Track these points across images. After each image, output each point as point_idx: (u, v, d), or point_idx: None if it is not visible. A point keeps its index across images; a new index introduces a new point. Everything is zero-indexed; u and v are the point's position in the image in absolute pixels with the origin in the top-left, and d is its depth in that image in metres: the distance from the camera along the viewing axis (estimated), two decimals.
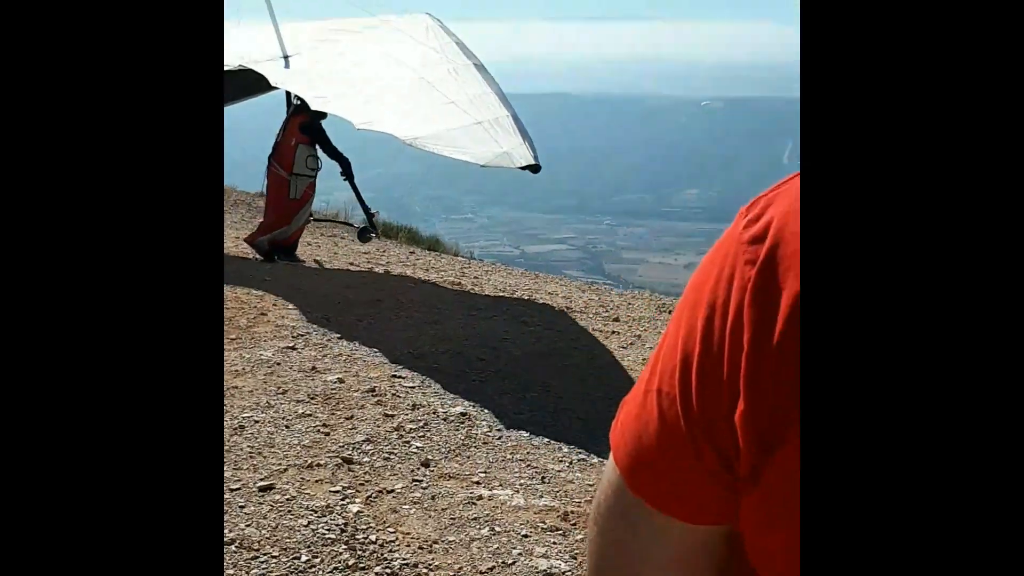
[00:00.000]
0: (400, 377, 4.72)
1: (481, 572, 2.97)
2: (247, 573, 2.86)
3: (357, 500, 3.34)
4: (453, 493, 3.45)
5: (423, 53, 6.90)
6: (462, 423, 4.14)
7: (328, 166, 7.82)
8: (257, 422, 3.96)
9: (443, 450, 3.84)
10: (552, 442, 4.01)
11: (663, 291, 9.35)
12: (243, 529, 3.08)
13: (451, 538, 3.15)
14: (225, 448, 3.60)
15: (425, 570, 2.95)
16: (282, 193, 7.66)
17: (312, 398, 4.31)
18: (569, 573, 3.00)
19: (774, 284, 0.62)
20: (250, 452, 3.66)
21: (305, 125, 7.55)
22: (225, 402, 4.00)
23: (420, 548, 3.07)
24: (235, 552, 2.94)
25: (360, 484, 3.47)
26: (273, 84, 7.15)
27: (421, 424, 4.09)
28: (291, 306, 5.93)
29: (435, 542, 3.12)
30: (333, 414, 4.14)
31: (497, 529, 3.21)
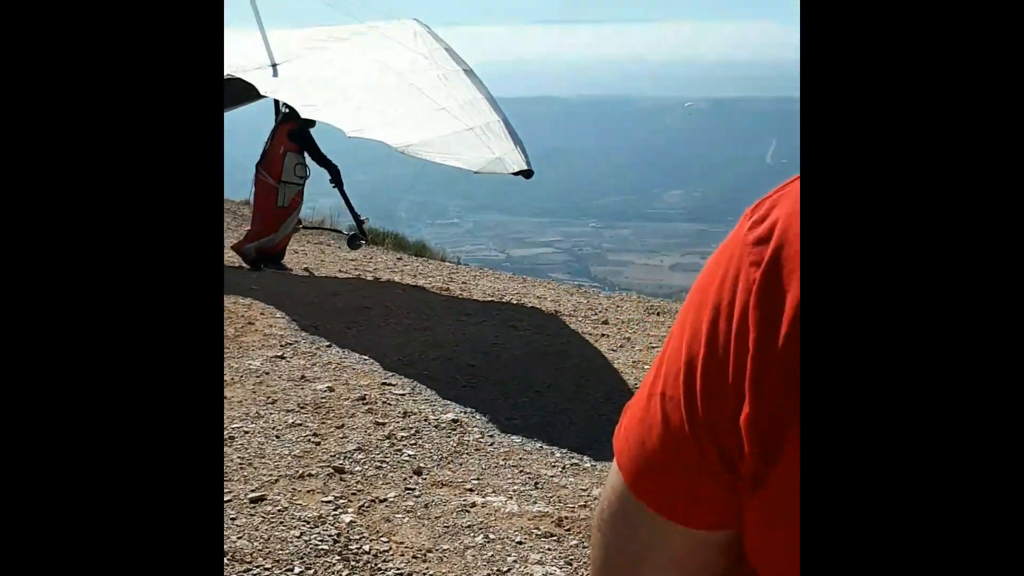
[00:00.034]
0: (390, 384, 4.70)
1: None
2: None
3: (350, 510, 3.32)
4: (446, 501, 3.43)
5: (412, 59, 6.89)
6: (454, 430, 4.12)
7: (316, 173, 7.79)
8: (247, 432, 3.93)
9: (435, 457, 3.82)
10: (544, 447, 4.00)
11: (650, 293, 9.36)
12: (235, 541, 3.05)
13: (445, 546, 3.13)
14: None
15: None
16: (270, 201, 7.63)
17: (302, 407, 4.28)
18: None
19: (779, 286, 0.61)
20: (240, 463, 3.63)
21: (294, 133, 7.53)
22: None
23: (414, 557, 3.05)
24: (228, 565, 2.91)
25: (352, 493, 3.45)
26: (263, 93, 7.11)
27: (412, 432, 4.06)
28: (279, 315, 5.89)
29: (429, 551, 3.10)
30: (324, 423, 4.11)
31: (491, 536, 3.19)
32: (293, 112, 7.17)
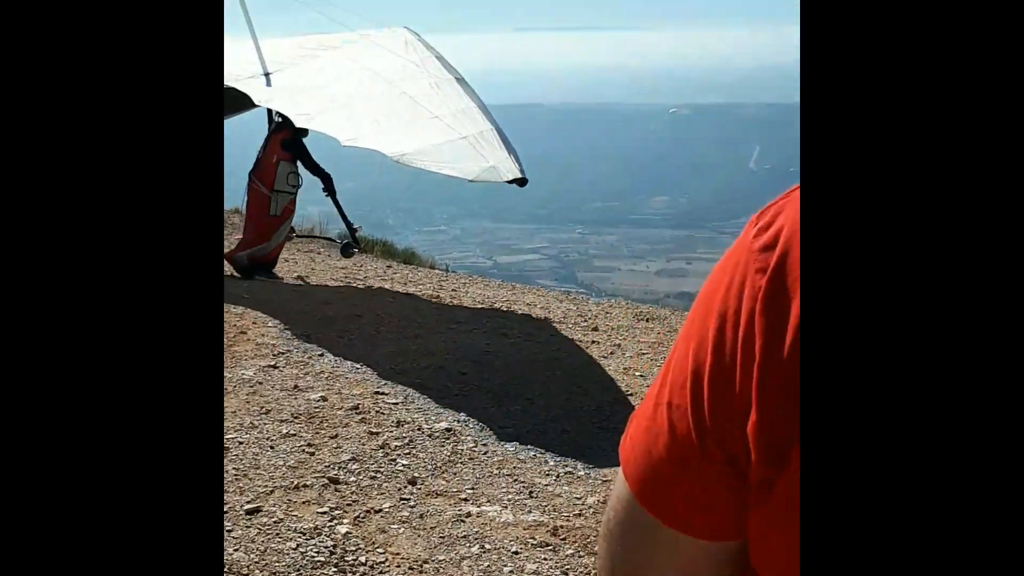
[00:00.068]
0: (383, 394, 4.69)
1: None
2: None
3: (345, 521, 3.32)
4: (441, 511, 3.44)
5: (403, 67, 6.90)
6: (447, 439, 4.12)
7: (309, 181, 7.78)
8: (241, 443, 3.92)
9: (429, 467, 3.82)
10: (538, 456, 4.00)
11: (637, 298, 9.38)
12: (231, 554, 3.04)
13: (441, 557, 3.13)
14: None
15: None
16: (263, 210, 7.62)
17: (296, 417, 4.28)
18: None
19: (784, 293, 0.61)
20: (235, 474, 3.62)
21: (287, 142, 7.52)
22: None
23: (411, 568, 3.06)
24: None
25: (347, 504, 3.45)
26: (256, 102, 7.10)
27: (406, 441, 4.06)
28: (271, 324, 5.88)
29: (425, 561, 3.10)
30: (317, 433, 4.11)
31: (487, 546, 3.20)
32: (286, 121, 7.16)
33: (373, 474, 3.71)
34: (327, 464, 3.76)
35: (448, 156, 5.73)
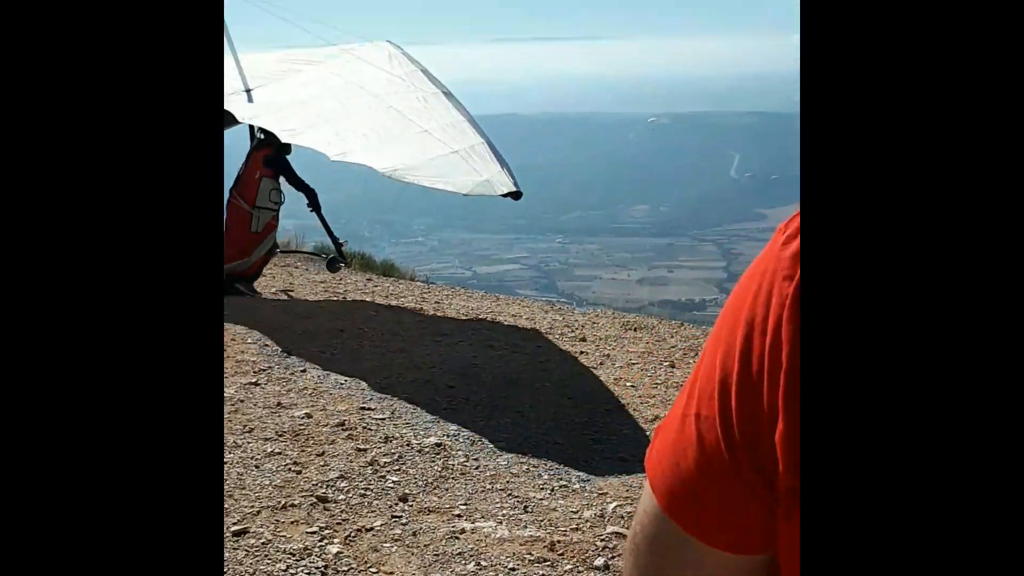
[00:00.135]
0: (369, 409, 4.60)
1: None
2: None
3: (336, 540, 3.22)
4: (434, 528, 3.35)
5: (389, 81, 6.85)
6: (437, 454, 4.04)
7: (293, 196, 7.69)
8: (225, 463, 3.82)
9: (420, 483, 3.73)
10: (531, 469, 3.93)
11: (619, 307, 9.34)
12: None
13: (437, 575, 3.04)
14: None
15: None
16: (244, 226, 7.50)
17: (280, 435, 4.18)
18: None
19: None
20: None
21: (270, 158, 7.41)
22: None
23: None
24: None
25: (337, 523, 3.35)
26: (240, 120, 6.99)
27: (395, 457, 3.97)
28: (250, 340, 5.78)
29: None
30: (303, 451, 4.01)
31: (483, 563, 3.11)
32: (268, 137, 7.07)
33: (363, 492, 3.61)
34: (315, 483, 3.67)
35: (441, 170, 5.68)
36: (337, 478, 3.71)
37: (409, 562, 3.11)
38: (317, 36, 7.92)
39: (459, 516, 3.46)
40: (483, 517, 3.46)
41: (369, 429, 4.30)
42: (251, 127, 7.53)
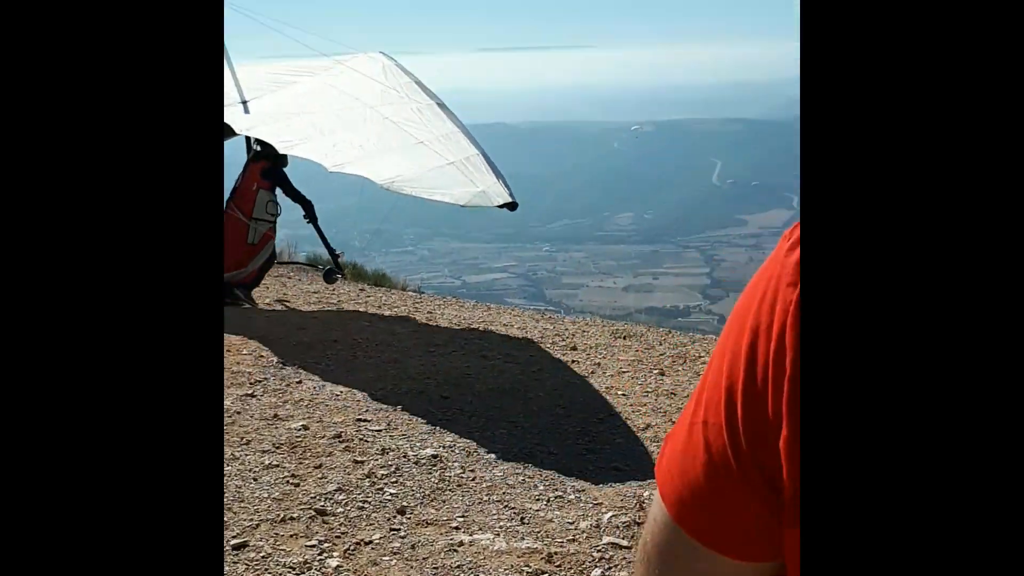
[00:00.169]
0: (366, 420, 4.62)
1: None
2: None
3: (335, 554, 3.24)
4: (433, 540, 3.37)
5: (383, 93, 6.88)
6: (434, 466, 4.06)
7: (289, 207, 7.70)
8: (223, 475, 3.82)
9: (418, 495, 3.75)
10: (527, 480, 3.95)
11: (606, 315, 9.41)
12: None
13: None
14: None
15: None
16: (240, 238, 7.50)
17: (277, 447, 4.19)
18: None
19: None
20: None
21: (267, 170, 7.41)
22: None
23: None
24: None
25: (336, 537, 3.37)
26: (237, 131, 7.00)
27: (393, 469, 3.99)
28: (245, 351, 5.78)
29: None
30: (301, 463, 4.02)
31: (482, 575, 3.13)
32: (265, 149, 7.08)
33: (361, 504, 3.63)
34: (313, 495, 3.68)
35: (438, 182, 5.71)
36: (335, 491, 3.73)
37: (408, 575, 3.12)
38: (307, 46, 7.93)
39: (457, 528, 3.48)
40: (480, 529, 3.48)
41: (366, 441, 4.32)
42: (247, 138, 7.54)
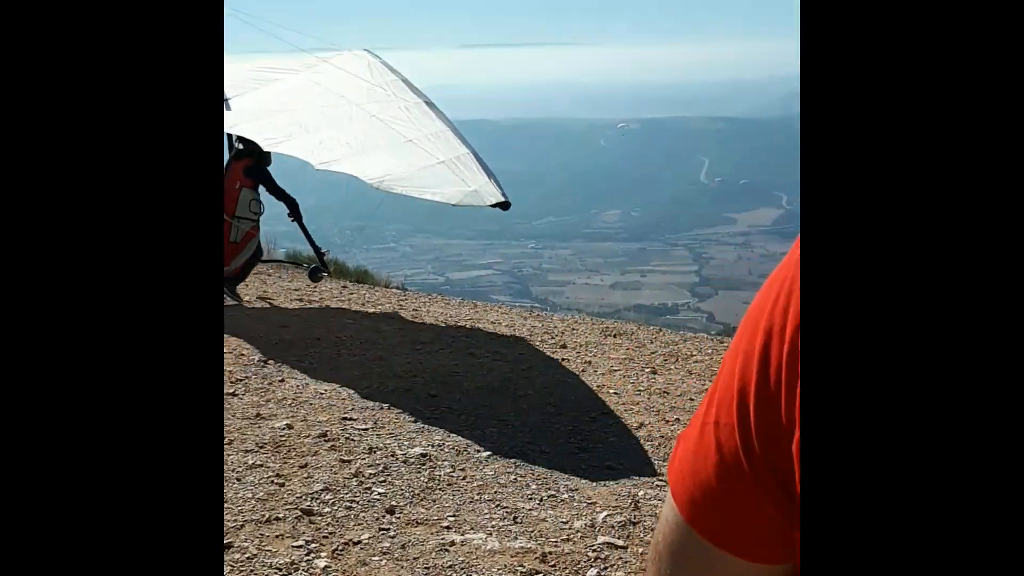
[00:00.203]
0: (351, 419, 4.53)
1: None
2: None
3: (323, 555, 3.15)
4: (423, 540, 3.29)
5: (370, 91, 6.79)
6: (423, 464, 3.97)
7: (274, 206, 7.59)
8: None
9: (407, 495, 3.67)
10: (519, 479, 3.88)
11: (593, 312, 9.36)
12: None
13: None
14: None
15: None
16: (223, 236, 7.38)
17: (261, 447, 4.10)
18: None
19: None
20: None
21: (250, 168, 7.29)
22: None
23: None
24: None
25: (324, 537, 3.28)
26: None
27: (380, 468, 3.91)
28: (226, 350, 5.67)
29: None
30: (286, 463, 3.93)
31: None
32: (248, 147, 6.97)
33: (348, 504, 3.54)
34: (299, 495, 3.59)
35: (429, 181, 5.64)
36: (322, 490, 3.64)
37: (399, 575, 3.04)
38: (288, 42, 7.82)
39: (448, 528, 3.40)
40: (472, 529, 3.40)
41: (352, 440, 4.23)
42: (229, 136, 7.42)
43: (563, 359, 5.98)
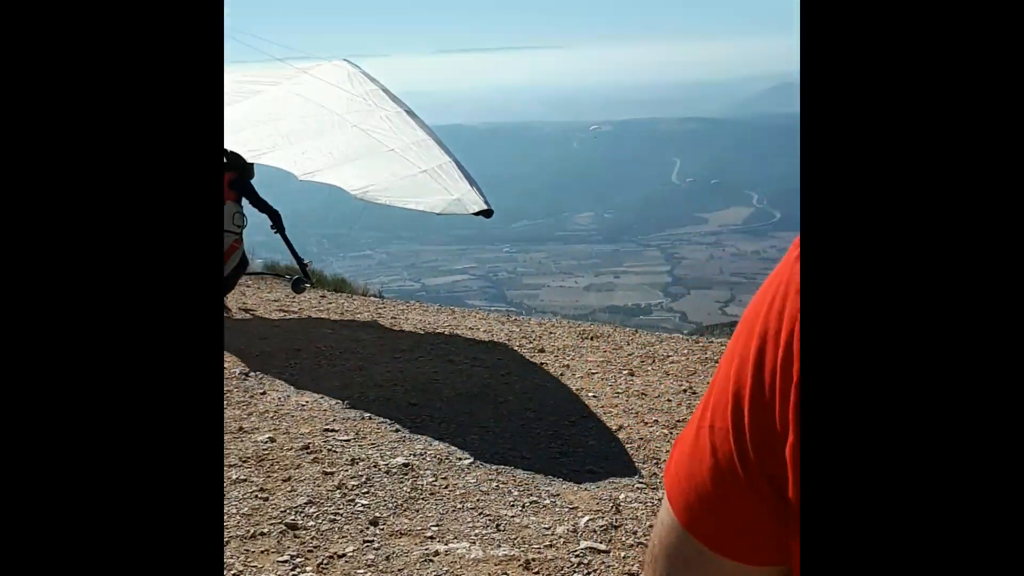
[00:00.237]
0: (333, 431, 4.54)
1: None
2: None
3: (308, 569, 3.17)
4: (408, 551, 3.31)
5: (350, 101, 6.80)
6: (406, 474, 4.00)
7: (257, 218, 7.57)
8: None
9: (390, 505, 3.69)
10: (500, 486, 3.91)
11: (567, 314, 9.41)
12: None
13: None
14: None
15: None
16: None
17: (244, 461, 4.10)
18: None
19: None
20: None
21: (233, 181, 7.26)
22: None
23: None
24: None
25: (308, 551, 3.30)
26: None
27: (363, 480, 3.92)
28: None
29: None
30: (269, 477, 3.94)
31: None
32: (231, 160, 6.95)
33: (332, 517, 3.56)
34: (283, 509, 3.60)
35: (411, 190, 5.66)
36: (305, 503, 3.66)
37: None
38: (264, 53, 7.81)
39: (431, 538, 3.43)
40: (456, 538, 3.43)
41: (335, 451, 4.25)
42: None
43: (542, 363, 6.02)
